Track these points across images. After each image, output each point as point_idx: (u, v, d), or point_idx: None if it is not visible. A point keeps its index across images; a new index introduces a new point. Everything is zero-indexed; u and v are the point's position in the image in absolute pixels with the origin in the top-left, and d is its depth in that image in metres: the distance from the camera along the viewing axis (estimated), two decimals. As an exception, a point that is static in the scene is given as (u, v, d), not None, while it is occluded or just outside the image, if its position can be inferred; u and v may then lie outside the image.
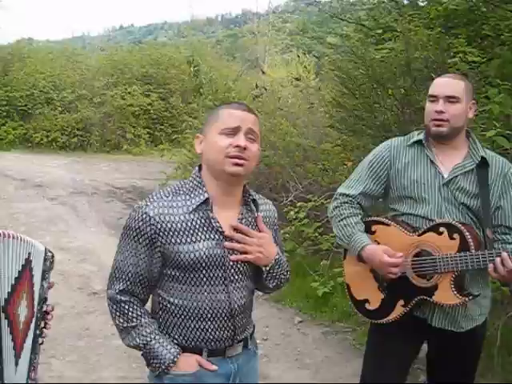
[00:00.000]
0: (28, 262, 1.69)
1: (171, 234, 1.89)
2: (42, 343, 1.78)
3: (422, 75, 4.27)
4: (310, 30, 27.91)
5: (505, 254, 2.21)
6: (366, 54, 4.50)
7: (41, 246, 1.78)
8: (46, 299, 1.79)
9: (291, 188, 5.84)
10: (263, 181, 6.52)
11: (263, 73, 15.50)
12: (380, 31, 5.93)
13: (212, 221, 1.91)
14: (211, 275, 1.92)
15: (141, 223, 1.89)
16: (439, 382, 2.59)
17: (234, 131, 1.88)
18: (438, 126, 2.39)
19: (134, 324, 1.94)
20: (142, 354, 1.95)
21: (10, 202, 9.00)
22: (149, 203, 1.91)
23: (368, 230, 2.50)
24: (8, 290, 1.60)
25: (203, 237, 1.91)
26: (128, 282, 1.94)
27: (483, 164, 2.40)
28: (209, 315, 1.94)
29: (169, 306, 1.97)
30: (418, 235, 2.38)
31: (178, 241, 1.89)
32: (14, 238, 1.64)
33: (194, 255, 1.89)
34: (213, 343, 1.96)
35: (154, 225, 1.88)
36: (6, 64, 16.09)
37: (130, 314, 1.94)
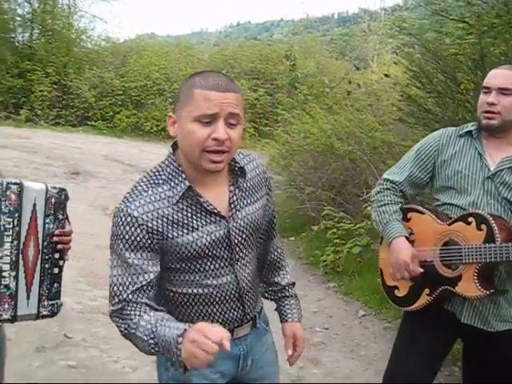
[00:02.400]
0: (34, 206, 1.93)
1: (165, 229, 1.72)
2: (61, 268, 2.02)
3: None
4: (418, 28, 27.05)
5: None
6: (439, 48, 4.45)
7: (42, 187, 1.98)
8: (53, 234, 1.98)
9: (373, 184, 5.87)
10: (348, 176, 6.59)
11: (371, 72, 15.37)
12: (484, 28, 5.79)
13: (204, 205, 1.75)
14: (216, 258, 1.79)
15: (127, 227, 1.69)
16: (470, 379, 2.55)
17: (211, 118, 1.64)
18: (489, 118, 2.34)
19: (137, 321, 1.66)
20: (159, 352, 1.62)
21: (116, 183, 9.66)
22: (129, 203, 1.71)
23: (404, 217, 2.50)
24: (25, 235, 1.88)
25: (199, 223, 1.75)
26: (133, 291, 1.69)
27: None
28: (216, 299, 1.84)
29: (172, 295, 1.85)
30: (449, 224, 2.36)
31: (175, 234, 1.73)
32: (23, 186, 1.89)
33: (197, 244, 1.75)
34: (224, 324, 1.84)
35: (142, 225, 1.69)
36: (125, 57, 17.16)
37: (130, 318, 1.68)
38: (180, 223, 1.72)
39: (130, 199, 1.71)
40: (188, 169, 1.74)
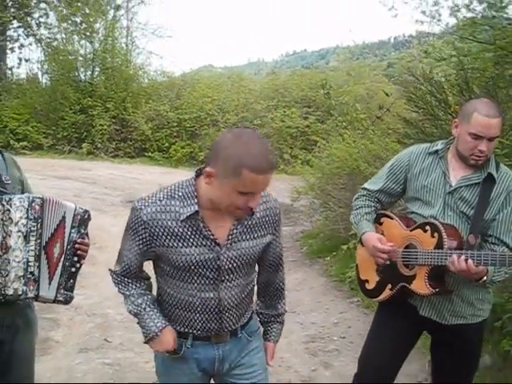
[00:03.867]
0: (63, 218, 2.53)
1: (164, 237, 2.03)
2: (77, 269, 2.60)
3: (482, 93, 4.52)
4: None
5: (455, 257, 2.48)
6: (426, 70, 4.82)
7: (72, 206, 2.59)
8: (75, 242, 2.57)
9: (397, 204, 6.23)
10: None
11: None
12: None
13: (203, 230, 2.03)
14: (202, 275, 2.07)
15: (136, 225, 2.06)
16: (435, 371, 2.95)
17: (251, 192, 1.92)
18: (478, 160, 2.62)
19: (129, 292, 2.19)
20: (138, 323, 2.20)
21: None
22: (143, 207, 2.04)
23: (378, 221, 2.88)
24: (48, 236, 2.47)
25: (195, 243, 2.04)
26: (126, 267, 2.18)
27: (490, 180, 2.64)
28: (198, 308, 2.12)
29: (163, 293, 2.19)
30: (410, 230, 2.74)
31: (171, 244, 2.03)
32: (55, 203, 2.50)
33: (185, 258, 2.04)
34: (199, 331, 2.16)
35: (147, 229, 2.03)
36: (180, 90, 18.08)
37: (127, 283, 2.20)
38: (178, 237, 2.02)
39: (146, 204, 2.05)
40: (203, 196, 2.01)
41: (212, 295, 2.10)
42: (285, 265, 2.40)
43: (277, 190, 13.22)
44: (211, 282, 2.08)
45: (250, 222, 2.10)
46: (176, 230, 2.02)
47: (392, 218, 2.85)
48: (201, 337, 2.17)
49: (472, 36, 7.76)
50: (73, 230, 2.58)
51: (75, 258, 2.60)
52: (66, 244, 2.55)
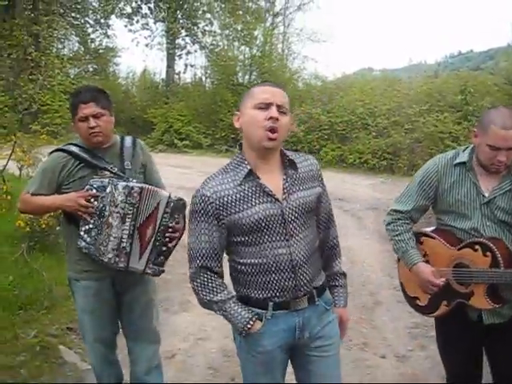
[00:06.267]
0: (158, 205, 3.03)
1: (229, 205, 2.20)
2: (168, 249, 3.08)
3: None
4: None
5: None
6: None
7: (166, 195, 3.06)
8: (168, 227, 3.05)
9: None
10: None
11: None
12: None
13: (262, 187, 2.23)
14: (272, 232, 2.22)
15: (203, 204, 2.22)
16: (495, 366, 2.98)
17: (267, 105, 2.18)
18: (498, 168, 2.75)
19: (214, 298, 2.28)
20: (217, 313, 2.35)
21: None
22: (204, 186, 2.25)
23: (417, 240, 2.98)
24: (143, 219, 3.01)
25: (257, 201, 2.22)
26: (204, 258, 2.27)
27: None
28: (273, 268, 2.24)
29: (239, 266, 2.31)
30: (458, 249, 2.82)
31: (237, 209, 2.20)
32: (152, 192, 3.01)
33: (254, 218, 2.20)
34: (277, 294, 2.26)
35: (213, 202, 2.21)
36: (332, 93, 18.74)
37: (210, 285, 2.29)
38: (241, 201, 2.21)
39: (204, 184, 2.27)
40: (250, 158, 2.26)
41: (284, 251, 2.24)
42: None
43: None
44: (281, 237, 2.23)
45: (296, 176, 2.32)
46: (238, 195, 2.22)
47: (434, 238, 2.94)
48: (280, 304, 2.28)
49: None
50: (165, 216, 3.04)
51: (165, 239, 3.06)
52: (157, 227, 3.03)
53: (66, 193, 2.99)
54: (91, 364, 3.36)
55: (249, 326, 2.25)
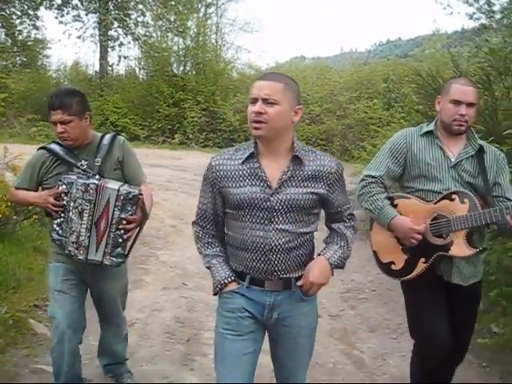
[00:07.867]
0: (108, 199, 3.13)
1: (225, 179, 2.37)
2: (124, 240, 3.18)
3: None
4: None
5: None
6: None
7: (115, 187, 3.12)
8: (121, 219, 3.13)
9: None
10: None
11: None
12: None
13: (258, 170, 2.34)
14: (253, 214, 2.35)
15: (207, 172, 2.43)
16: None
17: (254, 100, 2.31)
18: (460, 125, 2.94)
19: (204, 252, 2.50)
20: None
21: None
22: (215, 156, 2.44)
23: (391, 204, 3.03)
24: (99, 214, 3.14)
25: (249, 183, 2.35)
26: (198, 216, 2.52)
27: (480, 151, 3.00)
28: (249, 246, 2.37)
29: (227, 238, 2.49)
30: (434, 203, 2.94)
31: (231, 185, 2.36)
32: (104, 187, 3.10)
33: (240, 197, 2.34)
34: (253, 271, 2.38)
35: (214, 172, 2.40)
36: (266, 82, 19.34)
37: (202, 241, 2.52)
38: (236, 178, 2.36)
39: (218, 155, 2.46)
40: (258, 144, 2.38)
41: (261, 234, 2.35)
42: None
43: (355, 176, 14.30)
44: (261, 221, 2.35)
45: (301, 173, 2.38)
46: (236, 172, 2.38)
47: (408, 198, 3.04)
48: (256, 280, 2.41)
49: None
50: (116, 209, 3.14)
51: (119, 232, 3.17)
52: (110, 220, 3.15)
53: (47, 188, 3.24)
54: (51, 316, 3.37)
55: (225, 282, 2.42)
